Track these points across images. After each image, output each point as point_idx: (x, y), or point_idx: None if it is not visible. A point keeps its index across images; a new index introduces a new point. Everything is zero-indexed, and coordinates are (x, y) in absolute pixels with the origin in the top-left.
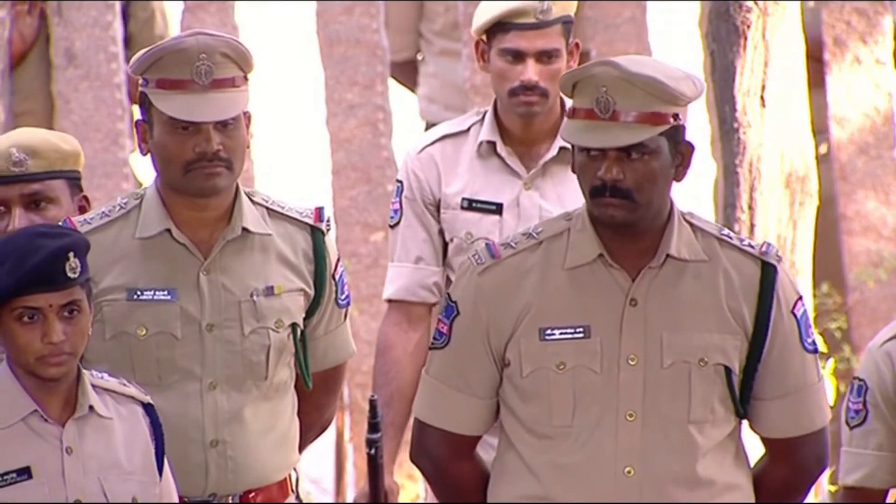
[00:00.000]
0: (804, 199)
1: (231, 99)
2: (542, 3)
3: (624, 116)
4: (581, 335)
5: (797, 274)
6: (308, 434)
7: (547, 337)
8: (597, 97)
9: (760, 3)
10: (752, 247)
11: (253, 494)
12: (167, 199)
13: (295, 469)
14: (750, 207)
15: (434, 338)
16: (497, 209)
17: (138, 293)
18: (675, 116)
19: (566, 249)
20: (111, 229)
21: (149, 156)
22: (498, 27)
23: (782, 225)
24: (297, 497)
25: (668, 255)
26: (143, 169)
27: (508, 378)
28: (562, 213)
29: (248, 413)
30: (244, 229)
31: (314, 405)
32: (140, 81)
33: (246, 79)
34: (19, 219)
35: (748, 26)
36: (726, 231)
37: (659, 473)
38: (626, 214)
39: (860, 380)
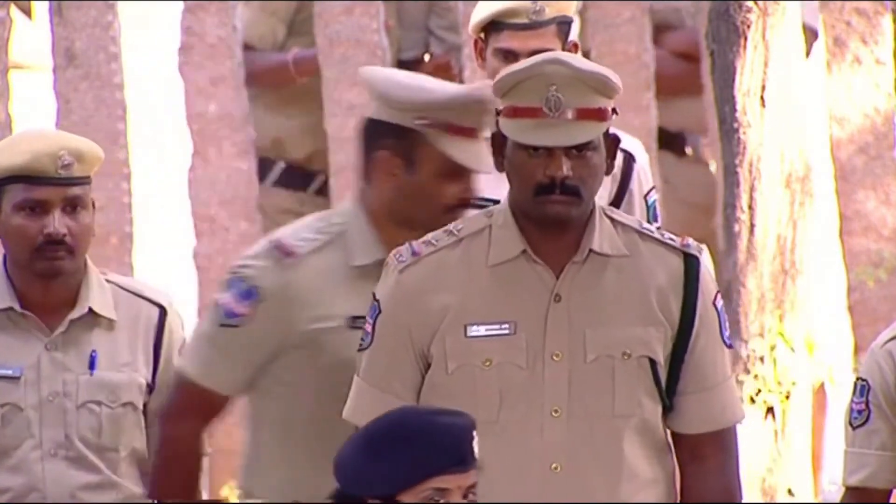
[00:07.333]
0: (804, 199)
1: None
2: (535, 3)
3: (569, 113)
4: (507, 331)
5: (798, 274)
6: None
7: (472, 334)
8: (546, 96)
9: (760, 3)
10: (672, 240)
11: None
12: None
13: None
14: (750, 207)
15: (361, 339)
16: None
17: None
18: (614, 111)
19: (488, 246)
20: None
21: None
22: (493, 26)
23: (782, 225)
24: None
25: (590, 251)
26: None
27: (430, 378)
28: (482, 210)
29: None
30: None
31: None
32: None
33: None
34: (58, 221)
35: (748, 26)
36: (646, 225)
37: (585, 469)
38: (572, 211)
39: (862, 380)
